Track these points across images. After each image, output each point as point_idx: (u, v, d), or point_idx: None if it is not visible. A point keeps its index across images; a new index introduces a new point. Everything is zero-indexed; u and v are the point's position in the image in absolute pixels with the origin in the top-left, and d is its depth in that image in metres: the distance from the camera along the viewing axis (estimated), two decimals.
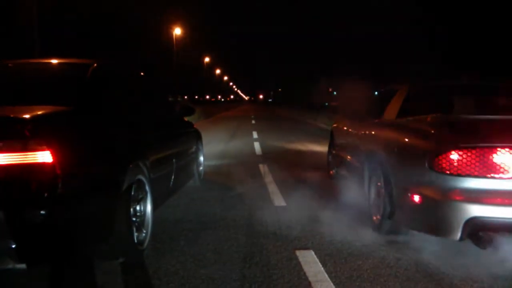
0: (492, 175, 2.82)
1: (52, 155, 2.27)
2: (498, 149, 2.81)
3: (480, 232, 2.82)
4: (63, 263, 2.84)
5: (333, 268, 2.99)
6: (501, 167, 2.81)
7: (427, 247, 3.39)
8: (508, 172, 2.80)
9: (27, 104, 2.64)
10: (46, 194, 2.27)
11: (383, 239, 3.58)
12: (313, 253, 3.27)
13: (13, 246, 2.23)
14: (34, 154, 2.24)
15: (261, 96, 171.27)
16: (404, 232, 3.56)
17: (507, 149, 2.80)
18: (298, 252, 3.28)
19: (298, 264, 3.06)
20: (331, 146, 6.73)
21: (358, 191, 4.69)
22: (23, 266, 2.32)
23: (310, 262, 3.09)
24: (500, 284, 2.77)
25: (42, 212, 2.25)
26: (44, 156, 2.26)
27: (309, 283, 2.75)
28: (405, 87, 4.49)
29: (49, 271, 2.82)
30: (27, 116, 2.32)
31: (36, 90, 3.07)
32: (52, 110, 2.58)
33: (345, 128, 5.78)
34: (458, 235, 2.83)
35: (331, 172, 6.50)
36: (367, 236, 3.66)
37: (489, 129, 3.09)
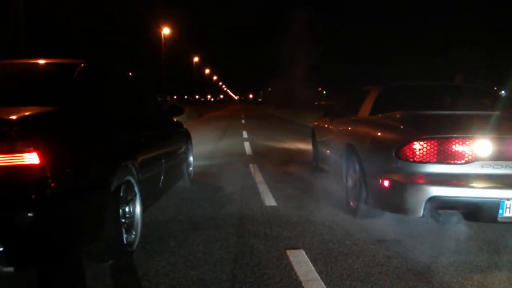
0: (448, 161, 3.29)
1: (39, 157, 2.23)
2: (453, 139, 3.28)
3: (439, 210, 3.29)
4: (51, 266, 2.80)
5: (324, 268, 2.99)
6: (455, 154, 3.27)
7: (417, 245, 3.41)
8: (461, 158, 3.27)
9: (14, 105, 2.58)
10: (33, 196, 2.23)
11: (374, 238, 3.59)
12: (303, 252, 3.26)
13: (1, 249, 2.19)
14: (21, 156, 2.20)
15: (250, 96, 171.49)
16: (377, 214, 4.01)
17: (460, 139, 3.27)
18: (288, 252, 3.27)
19: (289, 264, 3.05)
20: (313, 142, 7.26)
21: (336, 180, 5.09)
22: (10, 269, 2.27)
23: (300, 262, 3.08)
24: (490, 281, 2.78)
25: (29, 214, 2.20)
26: (31, 158, 2.21)
27: (300, 283, 2.74)
28: (376, 88, 5.01)
29: (36, 276, 2.77)
30: (13, 117, 2.27)
31: (22, 90, 3.02)
32: (39, 111, 2.52)
33: (325, 125, 6.28)
34: (421, 212, 3.26)
35: (313, 163, 7.10)
36: (358, 235, 3.67)
37: (446, 122, 3.64)
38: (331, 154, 5.58)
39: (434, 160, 3.30)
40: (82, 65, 3.27)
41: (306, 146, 10.00)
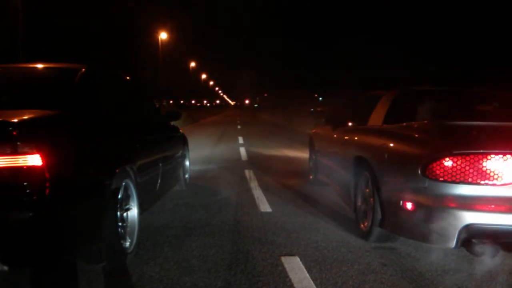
0: (486, 181, 2.78)
1: (42, 159, 2.29)
2: (492, 155, 2.77)
3: (475, 240, 2.78)
4: (45, 270, 2.79)
5: (319, 275, 2.98)
6: (494, 174, 2.77)
7: (412, 253, 3.41)
8: (501, 178, 2.77)
9: (17, 108, 2.65)
10: (35, 197, 2.28)
11: (369, 245, 3.58)
12: (298, 259, 3.25)
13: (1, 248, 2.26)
14: (25, 157, 2.26)
15: (247, 102, 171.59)
16: (393, 239, 3.56)
17: (500, 156, 2.76)
18: (283, 259, 3.26)
19: (284, 270, 3.04)
20: (311, 152, 6.74)
21: (341, 196, 4.74)
22: (5, 268, 2.32)
23: (295, 269, 3.07)
24: None
25: (31, 214, 2.26)
26: (34, 160, 2.27)
27: None
28: (390, 93, 4.43)
29: (26, 279, 2.75)
30: (17, 120, 2.34)
31: (25, 94, 3.09)
32: (42, 114, 2.59)
33: (326, 134, 5.70)
34: (453, 243, 2.79)
35: (311, 176, 6.57)
36: (353, 242, 3.66)
37: (482, 135, 3.04)
38: (335, 167, 4.96)
39: (469, 180, 2.79)
40: (84, 70, 3.34)
41: (301, 154, 10.01)
